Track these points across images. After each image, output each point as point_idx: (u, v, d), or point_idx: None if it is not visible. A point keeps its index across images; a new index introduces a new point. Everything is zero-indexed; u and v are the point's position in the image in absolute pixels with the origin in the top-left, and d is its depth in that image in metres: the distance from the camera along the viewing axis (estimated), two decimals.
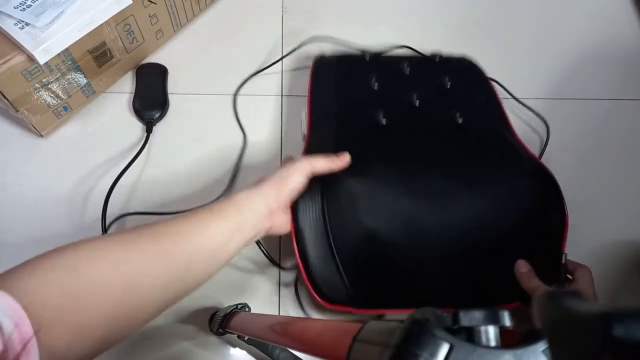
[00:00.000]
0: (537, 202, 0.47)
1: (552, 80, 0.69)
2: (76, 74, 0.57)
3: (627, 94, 0.68)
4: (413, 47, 0.67)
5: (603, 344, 0.12)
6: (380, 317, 0.47)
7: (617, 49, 0.72)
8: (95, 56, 0.57)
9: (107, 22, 0.54)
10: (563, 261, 0.46)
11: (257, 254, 0.54)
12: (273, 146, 0.61)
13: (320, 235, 0.45)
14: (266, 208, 0.41)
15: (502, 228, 0.46)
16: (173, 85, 0.65)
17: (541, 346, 0.20)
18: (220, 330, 0.46)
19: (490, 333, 0.19)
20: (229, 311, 0.46)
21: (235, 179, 0.58)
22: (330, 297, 0.46)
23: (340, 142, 0.50)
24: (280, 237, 0.56)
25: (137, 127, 0.62)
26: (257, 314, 0.49)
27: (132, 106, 0.62)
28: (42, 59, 0.50)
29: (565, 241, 0.48)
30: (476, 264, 0.46)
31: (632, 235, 0.56)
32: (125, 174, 0.56)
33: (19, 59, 0.49)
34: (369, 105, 0.55)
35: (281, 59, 0.67)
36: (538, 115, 0.64)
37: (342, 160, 0.46)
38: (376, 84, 0.57)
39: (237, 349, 0.49)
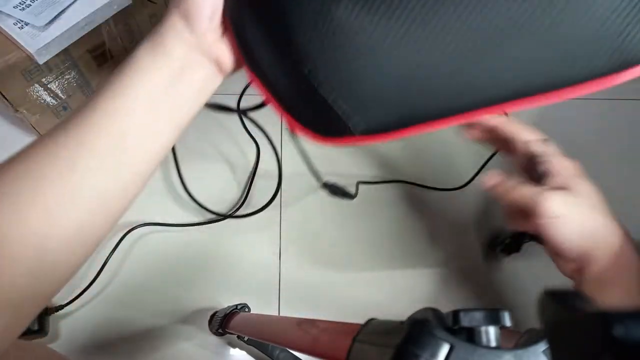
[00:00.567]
0: None
1: None
2: (76, 74, 0.56)
3: (627, 94, 0.68)
4: None
5: (603, 344, 0.12)
6: None
7: None
8: (94, 56, 0.57)
9: (106, 21, 0.54)
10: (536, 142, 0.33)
11: (257, 251, 0.54)
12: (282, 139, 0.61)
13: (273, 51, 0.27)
14: (181, 48, 0.25)
15: None
16: None
17: (541, 346, 0.20)
18: (220, 330, 0.46)
19: (491, 333, 0.19)
20: (229, 311, 0.46)
21: (253, 181, 0.58)
22: (321, 131, 0.29)
23: None
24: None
25: None
26: (257, 314, 0.49)
27: None
28: (41, 59, 0.50)
29: None
30: None
31: (632, 235, 0.56)
32: None
33: (19, 58, 0.49)
34: None
35: None
36: None
37: None
38: None
39: (237, 349, 0.49)
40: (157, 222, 0.55)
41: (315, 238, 0.55)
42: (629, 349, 0.12)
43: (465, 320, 0.19)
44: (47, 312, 0.49)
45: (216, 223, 0.55)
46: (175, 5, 0.25)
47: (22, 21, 0.49)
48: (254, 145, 0.60)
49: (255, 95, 0.30)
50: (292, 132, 0.30)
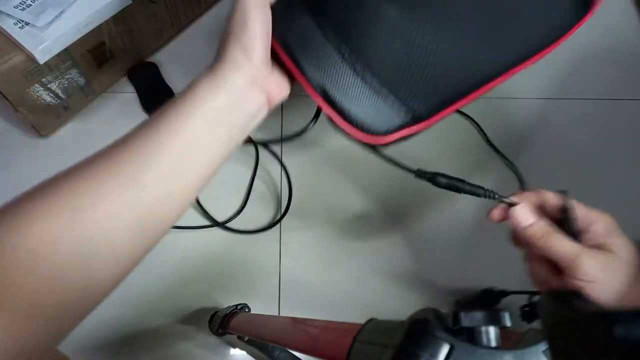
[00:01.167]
0: None
1: (551, 80, 0.69)
2: (76, 74, 0.57)
3: (627, 94, 0.68)
4: None
5: (604, 344, 0.12)
6: None
7: (617, 49, 0.72)
8: (95, 56, 0.57)
9: (107, 21, 0.54)
10: (567, 204, 0.30)
11: (257, 251, 0.54)
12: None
13: (330, 57, 0.32)
14: (242, 78, 0.29)
15: None
16: (172, 85, 0.65)
17: (541, 346, 0.20)
18: (220, 330, 0.46)
19: (491, 333, 0.19)
20: (229, 311, 0.46)
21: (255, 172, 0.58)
22: (381, 128, 0.33)
23: None
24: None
25: None
26: (257, 314, 0.49)
27: (140, 105, 0.62)
28: (41, 59, 0.50)
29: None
30: None
31: (632, 235, 0.56)
32: None
33: (19, 58, 0.49)
34: None
35: None
36: None
37: None
38: None
39: (237, 349, 0.49)
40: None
41: (316, 238, 0.55)
42: (630, 349, 0.12)
43: (466, 321, 0.19)
44: None
45: (217, 226, 0.55)
46: (235, 40, 0.29)
47: (22, 21, 0.49)
48: (253, 149, 0.60)
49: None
50: (358, 141, 0.34)
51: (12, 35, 0.49)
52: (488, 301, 0.45)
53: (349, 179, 0.59)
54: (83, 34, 0.52)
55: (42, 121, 0.57)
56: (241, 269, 0.53)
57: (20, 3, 0.50)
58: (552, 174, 0.61)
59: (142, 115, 0.62)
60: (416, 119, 0.34)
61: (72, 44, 0.52)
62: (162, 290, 0.52)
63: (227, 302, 0.50)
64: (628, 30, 0.74)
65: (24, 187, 0.61)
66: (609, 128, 0.65)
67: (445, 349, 0.19)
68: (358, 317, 0.27)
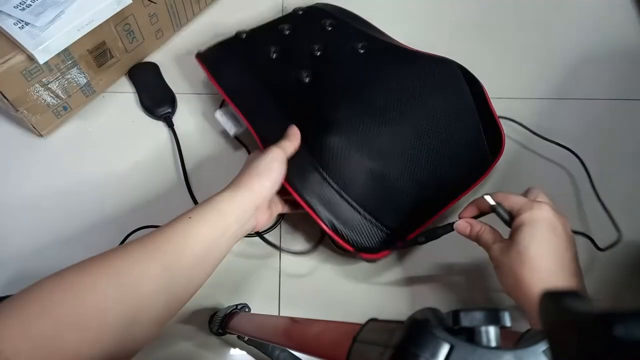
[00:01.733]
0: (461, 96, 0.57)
1: (550, 80, 0.69)
2: (76, 74, 0.57)
3: (627, 93, 0.68)
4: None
5: (604, 344, 0.12)
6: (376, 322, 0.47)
7: (617, 49, 0.72)
8: (95, 56, 0.57)
9: (107, 21, 0.54)
10: (492, 203, 0.41)
11: (257, 250, 0.54)
12: None
13: (332, 198, 0.48)
14: (252, 207, 0.41)
15: (449, 126, 0.54)
16: (173, 85, 0.65)
17: (541, 347, 0.20)
18: (220, 330, 0.46)
19: (491, 333, 0.19)
20: (228, 311, 0.46)
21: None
22: (372, 247, 0.48)
23: (287, 116, 0.51)
24: (280, 225, 0.56)
25: (138, 126, 0.62)
26: (257, 314, 0.49)
27: (140, 105, 0.62)
28: (41, 59, 0.50)
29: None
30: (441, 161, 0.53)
31: (634, 235, 0.56)
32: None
33: (19, 58, 0.49)
34: (281, 74, 0.56)
35: None
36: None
37: (296, 135, 0.48)
38: (275, 54, 0.57)
39: (237, 349, 0.49)
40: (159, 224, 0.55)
41: (316, 237, 0.55)
42: (630, 350, 0.12)
43: (466, 320, 0.19)
44: None
45: None
46: (258, 177, 0.42)
47: (22, 21, 0.49)
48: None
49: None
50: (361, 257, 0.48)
51: (12, 35, 0.49)
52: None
53: None
54: (83, 34, 0.52)
55: (42, 121, 0.57)
56: (241, 268, 0.53)
57: (20, 3, 0.50)
58: (552, 174, 0.61)
59: (142, 115, 0.63)
60: (397, 238, 0.49)
61: (72, 44, 0.52)
62: None
63: (227, 302, 0.50)
64: (628, 29, 0.74)
65: (24, 187, 0.61)
66: (608, 128, 0.65)
67: (445, 349, 0.19)
68: (358, 317, 0.27)
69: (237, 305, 0.48)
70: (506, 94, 0.66)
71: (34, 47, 0.49)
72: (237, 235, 0.41)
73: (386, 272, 0.54)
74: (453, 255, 0.51)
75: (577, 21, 0.74)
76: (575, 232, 0.43)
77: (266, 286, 0.52)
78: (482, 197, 0.42)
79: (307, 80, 0.54)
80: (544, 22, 0.74)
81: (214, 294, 0.51)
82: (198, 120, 0.63)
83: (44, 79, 0.53)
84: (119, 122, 0.62)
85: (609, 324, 0.12)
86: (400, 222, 0.49)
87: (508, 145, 0.60)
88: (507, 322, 0.19)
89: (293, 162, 0.46)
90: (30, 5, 0.50)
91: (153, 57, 0.66)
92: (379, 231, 0.48)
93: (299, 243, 0.55)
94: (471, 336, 0.19)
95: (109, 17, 0.54)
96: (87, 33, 0.53)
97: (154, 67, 0.65)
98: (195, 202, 0.57)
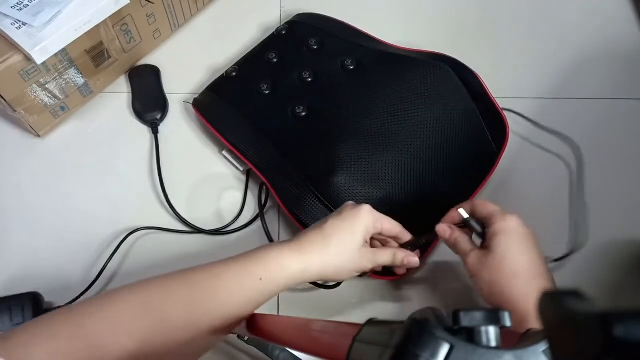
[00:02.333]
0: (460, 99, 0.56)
1: (549, 80, 0.69)
2: (73, 74, 0.56)
3: (626, 93, 0.68)
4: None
5: (603, 344, 0.12)
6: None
7: (616, 48, 0.72)
8: (92, 56, 0.57)
9: (104, 22, 0.54)
10: (465, 216, 0.42)
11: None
12: None
13: None
14: (301, 274, 0.39)
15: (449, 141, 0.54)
16: (171, 86, 0.65)
17: (541, 346, 0.20)
18: None
19: (491, 333, 0.19)
20: None
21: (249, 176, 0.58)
22: (390, 270, 0.49)
23: (290, 160, 0.52)
24: (279, 225, 0.56)
25: (136, 127, 0.62)
26: (256, 314, 0.49)
27: (131, 108, 0.62)
28: (39, 59, 0.49)
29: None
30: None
31: (632, 235, 0.56)
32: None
33: (16, 59, 0.49)
34: (277, 112, 0.56)
35: None
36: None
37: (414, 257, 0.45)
38: (267, 89, 0.57)
39: (237, 349, 0.49)
40: (159, 226, 0.55)
41: None
42: (630, 350, 0.12)
43: (466, 320, 0.19)
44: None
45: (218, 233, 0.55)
46: (297, 252, 0.40)
47: (19, 21, 0.49)
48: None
49: None
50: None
51: (9, 35, 0.49)
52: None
53: None
54: (80, 34, 0.52)
55: (39, 121, 0.57)
56: None
57: (18, 3, 0.50)
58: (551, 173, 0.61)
59: (132, 119, 0.62)
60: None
61: (70, 44, 0.52)
62: None
63: None
64: (627, 28, 0.74)
65: (22, 187, 0.61)
66: (608, 128, 0.65)
67: (445, 349, 0.19)
68: (358, 317, 0.26)
69: None
70: (506, 94, 0.66)
71: (31, 47, 0.48)
72: (277, 291, 0.40)
73: None
74: (453, 255, 0.51)
75: (577, 21, 0.74)
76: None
77: None
78: (456, 210, 0.43)
79: (303, 114, 0.55)
80: (544, 22, 0.74)
81: None
82: (185, 129, 0.62)
83: (41, 79, 0.53)
84: (117, 123, 0.62)
85: (608, 324, 0.12)
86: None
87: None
88: (507, 322, 0.19)
89: (303, 204, 0.49)
90: (28, 5, 0.50)
91: (151, 57, 0.66)
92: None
93: None
94: (471, 336, 0.19)
95: (107, 17, 0.54)
96: (85, 33, 0.52)
97: (154, 71, 0.65)
98: (172, 209, 0.55)
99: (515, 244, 0.39)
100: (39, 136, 0.59)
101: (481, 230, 0.42)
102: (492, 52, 0.70)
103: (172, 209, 0.55)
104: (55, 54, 0.51)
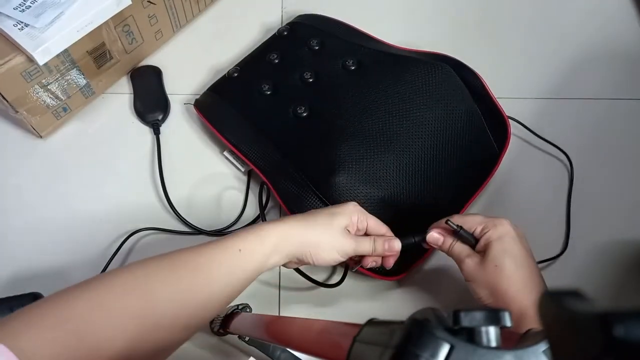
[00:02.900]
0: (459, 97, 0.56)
1: (549, 80, 0.69)
2: (75, 75, 0.57)
3: (626, 93, 0.68)
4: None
5: (603, 344, 0.12)
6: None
7: (616, 48, 0.72)
8: (94, 57, 0.57)
9: (106, 23, 0.54)
10: (455, 227, 0.42)
11: None
12: None
13: None
14: (281, 242, 0.39)
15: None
16: (172, 86, 0.65)
17: (542, 347, 0.20)
18: (220, 330, 0.46)
19: (491, 333, 0.19)
20: (229, 311, 0.46)
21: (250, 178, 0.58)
22: (392, 270, 0.48)
23: (292, 161, 0.52)
24: None
25: (138, 128, 0.62)
26: (257, 314, 0.49)
27: (133, 109, 0.62)
28: (41, 60, 0.50)
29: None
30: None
31: (633, 235, 0.56)
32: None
33: (19, 60, 0.49)
34: (279, 112, 0.56)
35: None
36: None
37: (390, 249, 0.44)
38: (268, 90, 0.57)
39: (238, 349, 0.49)
40: (161, 227, 0.55)
41: None
42: (630, 350, 0.12)
43: (466, 320, 0.19)
44: None
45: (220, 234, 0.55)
46: (277, 223, 0.40)
47: (22, 22, 0.49)
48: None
49: None
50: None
51: (12, 36, 0.49)
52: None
53: None
54: (83, 35, 0.52)
55: (41, 122, 0.57)
56: None
57: (20, 4, 0.50)
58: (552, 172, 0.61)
59: (134, 120, 0.62)
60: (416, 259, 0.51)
61: (72, 45, 0.52)
62: None
63: None
64: (628, 28, 0.74)
65: (23, 187, 0.62)
66: (608, 128, 0.65)
67: (445, 349, 0.19)
68: (358, 317, 0.27)
69: (238, 305, 0.48)
70: (506, 94, 0.66)
71: (33, 48, 0.49)
72: (276, 265, 0.40)
73: None
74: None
75: (577, 21, 0.74)
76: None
77: (267, 286, 0.52)
78: (445, 221, 0.43)
79: (304, 114, 0.55)
80: (544, 22, 0.74)
81: None
82: (186, 130, 0.62)
83: (43, 80, 0.53)
84: (119, 123, 0.62)
85: (608, 324, 0.12)
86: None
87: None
88: (507, 322, 0.20)
89: (304, 205, 0.49)
90: (30, 6, 0.50)
91: (153, 58, 0.66)
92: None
93: None
94: (471, 336, 0.19)
95: (109, 18, 0.54)
96: (87, 34, 0.53)
97: (155, 72, 0.65)
98: (174, 210, 0.56)
99: (511, 248, 0.41)
100: (40, 137, 0.59)
101: (473, 240, 0.43)
102: (492, 52, 0.70)
103: (173, 210, 0.55)
104: (57, 55, 0.51)
